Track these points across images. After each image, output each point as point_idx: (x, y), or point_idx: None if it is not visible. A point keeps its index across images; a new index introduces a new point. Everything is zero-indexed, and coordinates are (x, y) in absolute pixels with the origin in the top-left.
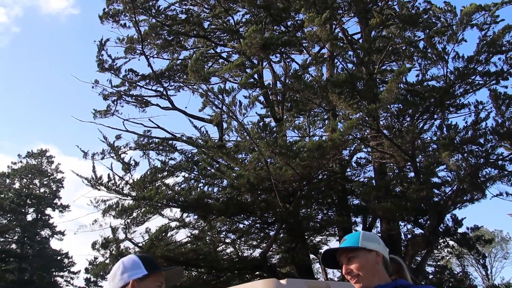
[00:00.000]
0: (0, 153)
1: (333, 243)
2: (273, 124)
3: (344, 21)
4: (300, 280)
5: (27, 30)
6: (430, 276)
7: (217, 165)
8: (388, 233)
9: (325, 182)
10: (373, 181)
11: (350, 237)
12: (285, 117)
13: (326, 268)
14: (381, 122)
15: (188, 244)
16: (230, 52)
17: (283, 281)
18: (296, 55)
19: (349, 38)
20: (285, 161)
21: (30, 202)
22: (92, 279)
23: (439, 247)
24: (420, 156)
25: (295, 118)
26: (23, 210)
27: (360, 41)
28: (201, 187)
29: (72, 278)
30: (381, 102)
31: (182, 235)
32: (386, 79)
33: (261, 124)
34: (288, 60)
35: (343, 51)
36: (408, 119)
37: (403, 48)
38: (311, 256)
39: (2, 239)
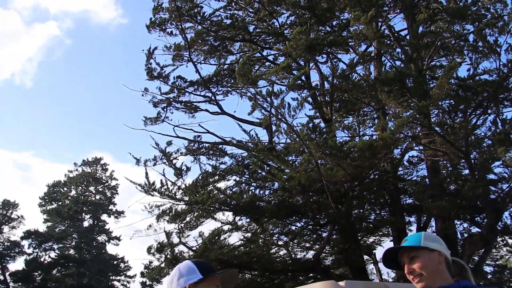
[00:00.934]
0: (58, 162)
1: (387, 244)
2: (322, 125)
3: (390, 18)
4: (358, 282)
5: (78, 41)
6: (489, 276)
7: (268, 168)
8: (444, 232)
9: (377, 182)
10: (427, 179)
11: (412, 237)
12: (334, 117)
13: (380, 269)
14: (432, 119)
15: (241, 247)
16: (276, 55)
17: (341, 283)
18: (342, 54)
19: (396, 35)
20: (335, 161)
21: (86, 209)
22: (148, 282)
23: (497, 246)
24: (474, 152)
25: (344, 118)
26: (80, 217)
27: (408, 37)
28: (253, 190)
29: (128, 282)
30: (432, 99)
31: (235, 238)
32: (436, 75)
33: (310, 125)
34: (334, 60)
35: (391, 48)
36: (460, 115)
37: (453, 42)
38: (365, 257)
39: (61, 245)
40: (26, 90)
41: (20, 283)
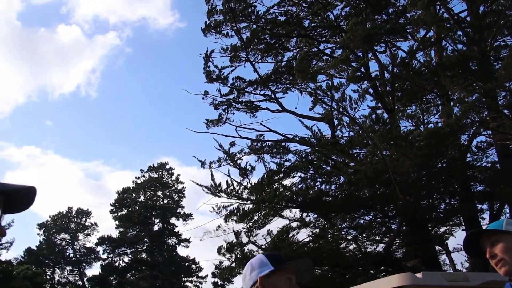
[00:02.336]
0: (127, 169)
1: (459, 233)
2: (385, 115)
3: (448, 0)
4: (436, 272)
5: (139, 49)
6: None
7: (332, 162)
8: None
9: (445, 170)
10: (497, 165)
11: (494, 223)
12: (396, 107)
13: (453, 259)
14: (500, 102)
15: (310, 243)
16: (334, 48)
17: (418, 275)
18: (401, 42)
19: (455, 17)
20: (401, 152)
21: (155, 213)
22: (220, 282)
23: None
24: None
25: (407, 107)
26: (150, 221)
27: (468, 19)
28: (318, 186)
29: (200, 283)
30: (498, 81)
31: (303, 235)
32: (501, 56)
33: (373, 116)
34: (393, 48)
35: (451, 31)
36: None
37: None
38: (437, 247)
39: (133, 249)
40: (92, 101)
41: None
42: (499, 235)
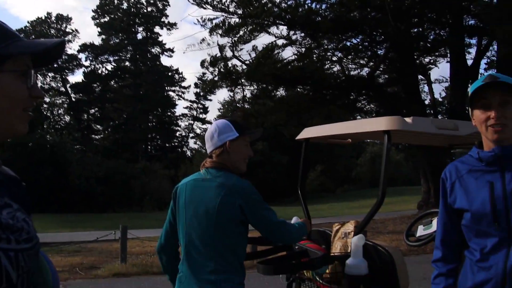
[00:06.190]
0: None
1: (442, 65)
2: None
3: None
4: (427, 118)
5: None
6: None
7: None
8: (507, 59)
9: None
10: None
11: (507, 78)
12: None
13: (433, 90)
14: None
15: (295, 62)
16: None
17: (408, 119)
18: None
19: None
20: None
21: (139, 21)
22: (202, 93)
23: None
24: None
25: None
26: (133, 29)
27: None
28: (309, 4)
29: (183, 93)
30: None
31: (288, 53)
32: None
33: None
34: None
35: None
36: None
37: None
38: (419, 76)
39: (116, 57)
40: None
41: (80, 94)
42: None
